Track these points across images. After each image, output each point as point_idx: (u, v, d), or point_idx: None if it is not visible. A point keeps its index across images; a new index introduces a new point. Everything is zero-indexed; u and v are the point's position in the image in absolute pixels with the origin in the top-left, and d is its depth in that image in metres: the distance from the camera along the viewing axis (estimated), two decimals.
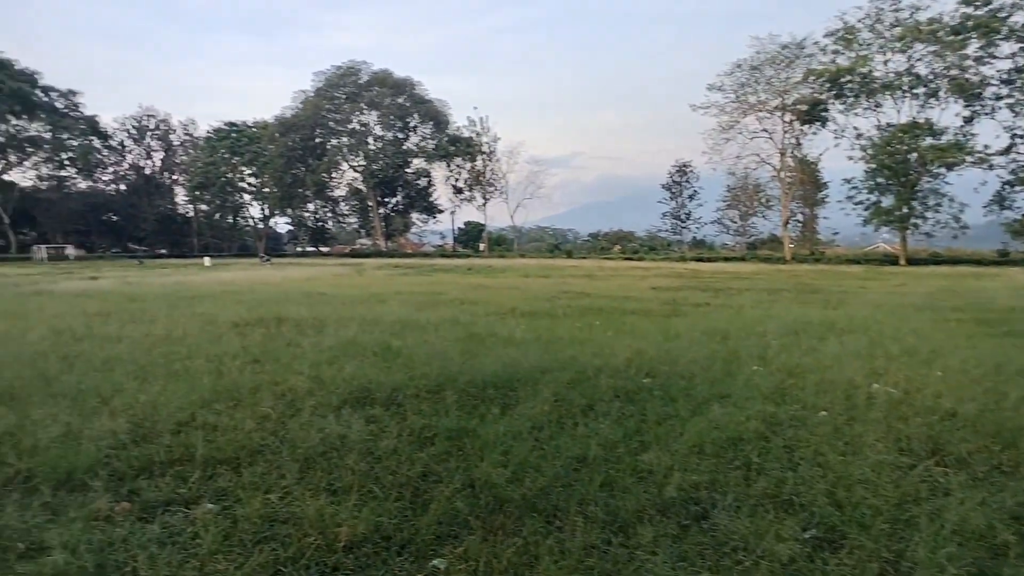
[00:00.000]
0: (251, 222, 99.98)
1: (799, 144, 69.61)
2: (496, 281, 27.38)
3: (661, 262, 63.24)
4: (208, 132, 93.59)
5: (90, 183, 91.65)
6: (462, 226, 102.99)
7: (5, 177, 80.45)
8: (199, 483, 4.07)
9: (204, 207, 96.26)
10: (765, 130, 69.32)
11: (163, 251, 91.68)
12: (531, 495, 3.91)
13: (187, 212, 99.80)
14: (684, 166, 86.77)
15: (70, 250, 78.76)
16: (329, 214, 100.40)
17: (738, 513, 3.76)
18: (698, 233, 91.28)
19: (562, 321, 12.21)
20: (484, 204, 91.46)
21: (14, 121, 76.47)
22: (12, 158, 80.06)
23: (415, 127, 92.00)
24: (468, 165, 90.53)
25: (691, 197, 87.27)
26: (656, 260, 67.24)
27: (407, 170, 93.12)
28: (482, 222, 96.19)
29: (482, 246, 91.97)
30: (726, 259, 68.78)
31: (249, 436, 4.89)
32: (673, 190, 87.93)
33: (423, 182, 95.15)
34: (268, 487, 4.01)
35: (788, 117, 67.32)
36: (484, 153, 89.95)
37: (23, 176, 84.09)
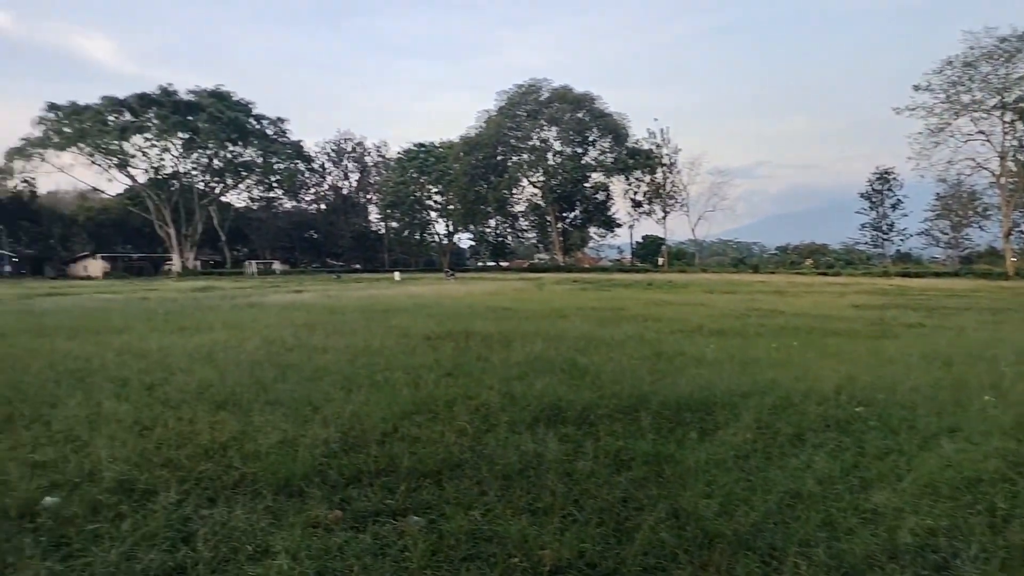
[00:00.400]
0: (436, 238, 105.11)
1: (1022, 146, 61.87)
2: (678, 297, 26.65)
3: (860, 277, 58.63)
4: (399, 153, 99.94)
5: (294, 203, 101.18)
6: (640, 240, 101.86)
7: (223, 199, 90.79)
8: (405, 495, 4.18)
9: (394, 224, 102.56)
10: (981, 132, 62.22)
11: (357, 266, 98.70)
12: (743, 531, 3.64)
13: (379, 229, 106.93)
14: (886, 173, 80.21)
15: (276, 265, 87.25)
16: (509, 229, 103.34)
17: (987, 565, 3.30)
18: (902, 246, 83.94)
19: (755, 341, 11.56)
20: (664, 217, 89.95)
21: (231, 147, 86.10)
22: (229, 181, 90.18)
23: (594, 141, 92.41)
24: (647, 178, 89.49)
25: (894, 207, 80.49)
26: (854, 275, 62.34)
27: (585, 184, 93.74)
28: (661, 236, 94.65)
29: (661, 260, 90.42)
30: (936, 274, 62.34)
31: (449, 450, 4.99)
32: (873, 199, 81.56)
33: (601, 196, 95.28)
34: (470, 503, 4.04)
35: (1009, 117, 60.06)
36: (664, 165, 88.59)
37: (238, 197, 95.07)
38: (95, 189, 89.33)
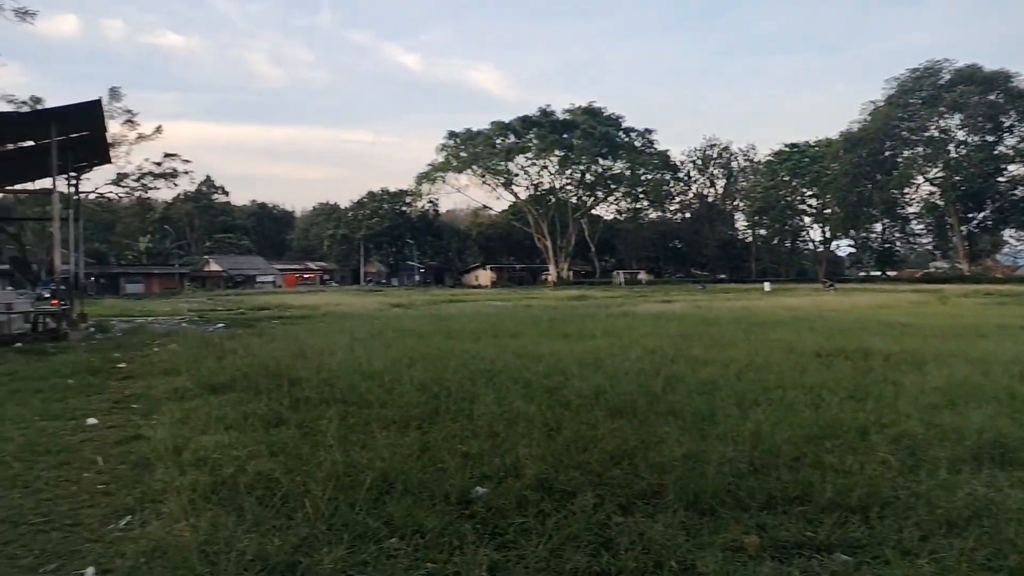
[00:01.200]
0: (810, 245, 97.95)
1: None
2: None
3: None
4: (768, 156, 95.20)
5: (659, 213, 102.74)
6: None
7: (593, 211, 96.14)
8: (829, 528, 3.83)
9: (762, 232, 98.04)
10: None
11: (722, 276, 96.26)
12: None
13: (746, 237, 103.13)
14: None
15: (642, 275, 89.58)
16: (898, 234, 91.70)
17: None
18: None
19: None
20: None
21: (602, 162, 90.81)
22: (599, 194, 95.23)
23: (1011, 127, 77.08)
24: None
25: None
26: None
27: (999, 179, 78.84)
28: None
29: None
30: None
31: (873, 483, 4.48)
32: None
33: (1021, 192, 79.26)
34: (910, 549, 3.55)
35: None
36: None
37: (606, 209, 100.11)
38: (485, 206, 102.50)
